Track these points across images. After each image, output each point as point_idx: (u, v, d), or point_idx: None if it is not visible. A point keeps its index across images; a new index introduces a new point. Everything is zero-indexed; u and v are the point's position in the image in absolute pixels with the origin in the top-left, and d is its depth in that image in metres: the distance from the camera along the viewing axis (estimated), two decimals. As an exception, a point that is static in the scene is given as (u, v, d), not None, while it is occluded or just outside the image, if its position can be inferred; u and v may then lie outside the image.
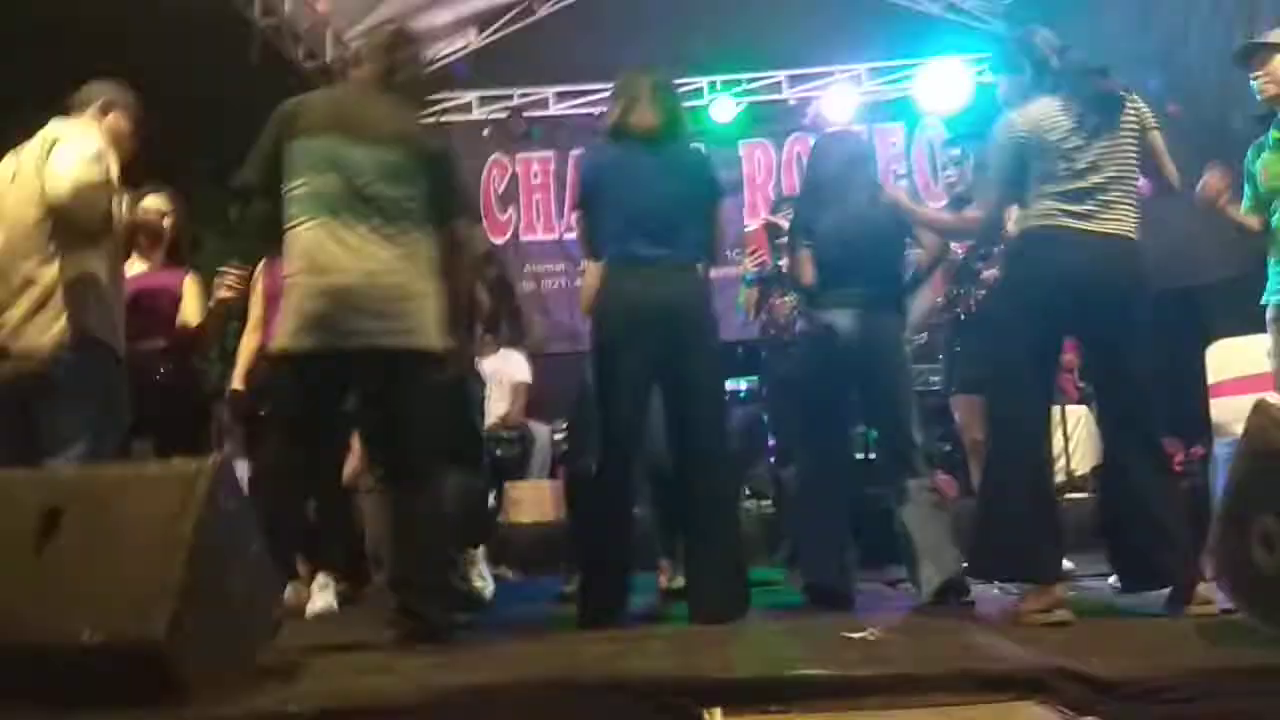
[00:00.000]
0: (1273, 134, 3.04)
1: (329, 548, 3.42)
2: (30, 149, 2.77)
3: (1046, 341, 2.71)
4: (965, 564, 2.89)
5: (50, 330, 2.66)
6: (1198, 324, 4.78)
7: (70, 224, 2.69)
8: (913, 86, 6.95)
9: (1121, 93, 2.72)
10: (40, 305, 2.67)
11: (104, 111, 2.90)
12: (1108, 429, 2.78)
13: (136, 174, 3.13)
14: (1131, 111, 2.72)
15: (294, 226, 2.54)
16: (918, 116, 7.06)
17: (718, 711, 1.70)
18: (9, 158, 2.83)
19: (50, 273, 2.68)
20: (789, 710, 1.71)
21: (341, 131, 2.55)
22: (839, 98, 6.94)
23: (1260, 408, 2.07)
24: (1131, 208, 2.69)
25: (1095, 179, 2.65)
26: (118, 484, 2.06)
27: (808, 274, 3.25)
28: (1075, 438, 4.85)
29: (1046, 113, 2.71)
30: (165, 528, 1.95)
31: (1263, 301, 3.13)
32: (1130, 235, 2.67)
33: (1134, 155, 2.70)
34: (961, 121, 6.39)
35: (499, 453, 4.91)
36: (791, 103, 7.09)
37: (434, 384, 2.62)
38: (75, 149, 2.69)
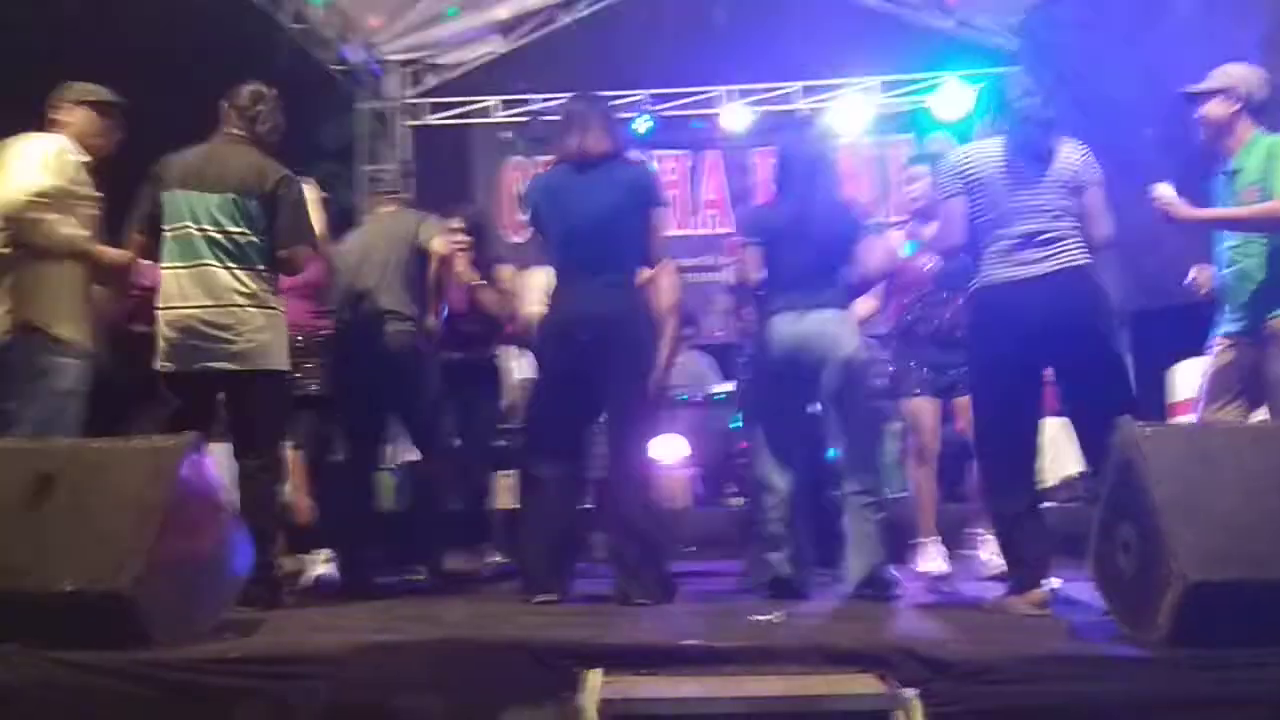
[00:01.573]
0: (1218, 182, 3.16)
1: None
2: None
3: (1023, 380, 2.82)
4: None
5: None
6: (1188, 341, 4.89)
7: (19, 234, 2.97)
8: (924, 100, 7.07)
9: (1058, 147, 2.85)
10: None
11: (70, 111, 3.14)
12: (1084, 448, 2.90)
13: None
14: (1068, 165, 2.85)
15: (161, 266, 3.08)
16: (929, 129, 7.18)
17: (599, 672, 1.93)
18: None
19: None
20: (659, 674, 1.94)
21: (195, 184, 3.04)
22: (851, 109, 7.10)
23: (1121, 426, 2.25)
24: (1075, 241, 2.81)
25: (1032, 223, 2.80)
26: (104, 455, 2.36)
27: (752, 270, 3.40)
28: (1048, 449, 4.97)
29: (982, 155, 2.89)
30: (141, 495, 2.25)
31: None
32: (1078, 264, 2.80)
33: (1068, 206, 2.82)
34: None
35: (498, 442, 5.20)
36: (805, 113, 7.25)
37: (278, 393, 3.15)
38: (25, 160, 2.97)
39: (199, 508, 2.39)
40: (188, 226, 3.05)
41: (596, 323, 3.06)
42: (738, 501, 5.32)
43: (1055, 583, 2.84)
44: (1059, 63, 5.80)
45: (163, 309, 3.06)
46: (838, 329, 3.25)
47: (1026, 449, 2.84)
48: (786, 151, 3.64)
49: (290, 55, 6.18)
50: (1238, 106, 3.04)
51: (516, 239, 7.56)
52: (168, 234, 3.08)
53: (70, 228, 3.01)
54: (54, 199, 2.98)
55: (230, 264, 3.05)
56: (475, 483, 4.33)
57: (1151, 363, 4.99)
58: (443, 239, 3.72)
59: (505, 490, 4.98)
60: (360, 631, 2.29)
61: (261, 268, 3.10)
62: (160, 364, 3.06)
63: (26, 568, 2.19)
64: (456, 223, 4.18)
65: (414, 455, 4.19)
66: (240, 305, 3.04)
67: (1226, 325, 3.10)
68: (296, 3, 6.08)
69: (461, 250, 4.06)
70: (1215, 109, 3.08)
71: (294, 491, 3.93)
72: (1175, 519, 2.06)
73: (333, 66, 6.79)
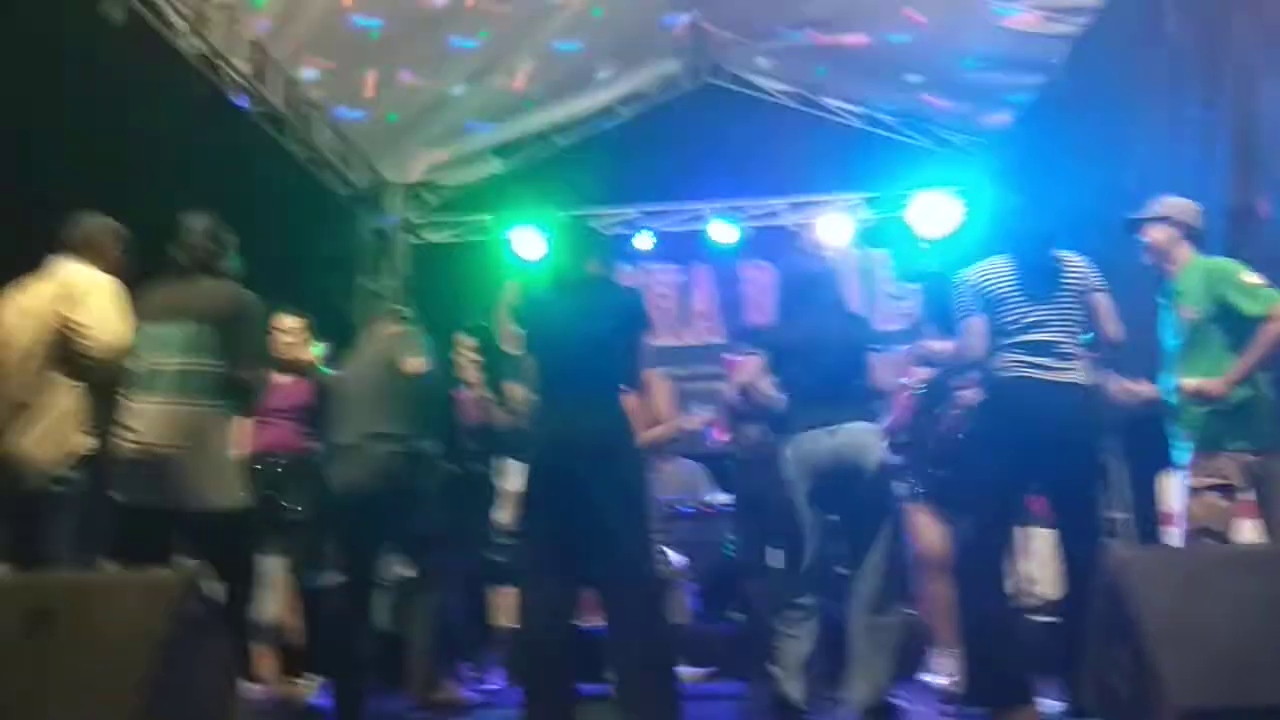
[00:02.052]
0: (1162, 303, 3.31)
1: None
2: (51, 290, 3.15)
3: (1015, 479, 3.00)
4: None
5: (53, 451, 3.02)
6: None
7: (96, 372, 3.08)
8: (904, 214, 7.28)
9: (1060, 261, 3.09)
10: (45, 427, 3.03)
11: (105, 250, 3.28)
12: (1067, 563, 3.01)
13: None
14: (1074, 275, 3.09)
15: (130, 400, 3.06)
16: (911, 242, 7.38)
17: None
18: (21, 294, 3.19)
19: (58, 399, 3.06)
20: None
21: (148, 318, 3.08)
22: (834, 224, 7.30)
23: (1111, 548, 2.29)
24: (1082, 359, 3.04)
25: (1046, 334, 3.02)
26: (101, 589, 2.37)
27: (767, 390, 3.49)
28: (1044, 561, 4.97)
29: (995, 273, 3.11)
30: (140, 630, 2.25)
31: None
32: (1084, 383, 3.01)
33: (1078, 315, 3.06)
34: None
35: (496, 557, 5.16)
36: (791, 228, 7.47)
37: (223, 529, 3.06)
38: (113, 309, 3.11)
39: (196, 638, 2.39)
40: (141, 359, 3.06)
41: (581, 441, 3.10)
42: (739, 617, 5.27)
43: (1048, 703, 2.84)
44: (1036, 178, 6.04)
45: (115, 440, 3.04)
46: (870, 441, 3.29)
47: (1006, 556, 2.95)
48: (789, 270, 3.77)
49: (296, 177, 6.41)
50: (1178, 233, 3.22)
51: (512, 351, 7.71)
52: (138, 367, 3.08)
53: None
54: None
55: (180, 399, 3.02)
56: (474, 600, 4.33)
57: (1144, 471, 5.04)
58: (416, 359, 3.72)
59: (504, 608, 4.96)
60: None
61: (211, 402, 3.07)
62: (116, 495, 3.03)
63: (22, 706, 2.18)
64: (469, 341, 4.27)
65: (408, 573, 4.18)
66: (184, 444, 2.99)
67: (1182, 452, 3.19)
68: (303, 130, 6.30)
69: (474, 366, 4.14)
70: (1157, 234, 3.28)
71: (283, 614, 3.91)
72: (1166, 644, 2.08)
73: (338, 189, 7.00)
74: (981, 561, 3.00)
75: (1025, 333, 3.03)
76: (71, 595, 2.34)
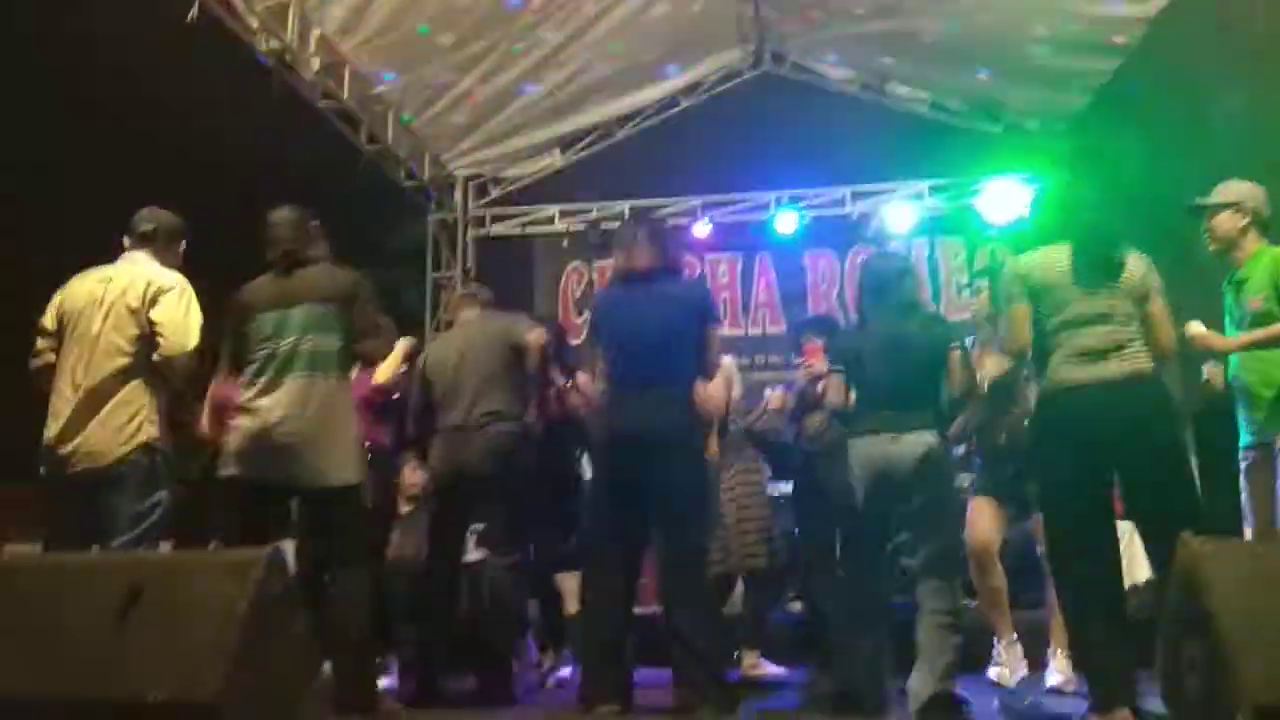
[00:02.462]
0: (1226, 290, 3.21)
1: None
2: (124, 283, 3.23)
3: (1094, 484, 2.83)
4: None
5: (119, 436, 3.12)
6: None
7: (168, 367, 3.20)
8: (974, 201, 7.14)
9: (1121, 259, 2.90)
10: (111, 415, 3.13)
11: (170, 243, 3.38)
12: (1151, 556, 2.92)
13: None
14: (1135, 276, 2.89)
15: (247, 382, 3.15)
16: (980, 231, 7.24)
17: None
18: (94, 281, 3.26)
19: (125, 389, 3.15)
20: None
21: (263, 306, 3.16)
22: (900, 212, 7.21)
23: (1185, 541, 2.25)
24: (1141, 345, 2.84)
25: (1099, 328, 2.83)
26: (190, 567, 2.48)
27: (837, 396, 3.44)
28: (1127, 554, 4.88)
29: (1052, 262, 2.92)
30: (224, 606, 2.35)
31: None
32: (1145, 369, 2.82)
33: (1134, 313, 2.86)
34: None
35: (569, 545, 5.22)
36: (854, 217, 7.40)
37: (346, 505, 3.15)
38: (186, 309, 3.22)
39: (277, 615, 2.49)
40: (263, 344, 3.15)
41: (646, 436, 3.12)
42: (797, 606, 5.28)
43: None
44: (1111, 165, 5.89)
45: (236, 422, 3.15)
46: (930, 451, 3.20)
47: (1102, 556, 2.80)
48: (864, 270, 3.67)
49: (366, 173, 6.55)
50: (1246, 221, 3.11)
51: (574, 341, 7.78)
52: (250, 354, 3.17)
53: None
54: None
55: (303, 377, 3.11)
56: (548, 590, 4.39)
57: (1217, 463, 4.92)
58: (537, 332, 3.80)
59: (572, 594, 5.03)
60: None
61: (335, 378, 3.17)
62: (227, 471, 3.12)
63: (115, 677, 2.30)
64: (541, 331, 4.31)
65: (477, 555, 4.25)
66: (307, 422, 3.09)
67: (1244, 437, 3.11)
68: (371, 125, 6.44)
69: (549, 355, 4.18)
70: (1225, 222, 3.16)
71: None
72: (1241, 639, 2.03)
73: (405, 183, 7.14)
74: (1068, 561, 2.86)
75: (1072, 328, 2.84)
76: (159, 573, 2.45)
